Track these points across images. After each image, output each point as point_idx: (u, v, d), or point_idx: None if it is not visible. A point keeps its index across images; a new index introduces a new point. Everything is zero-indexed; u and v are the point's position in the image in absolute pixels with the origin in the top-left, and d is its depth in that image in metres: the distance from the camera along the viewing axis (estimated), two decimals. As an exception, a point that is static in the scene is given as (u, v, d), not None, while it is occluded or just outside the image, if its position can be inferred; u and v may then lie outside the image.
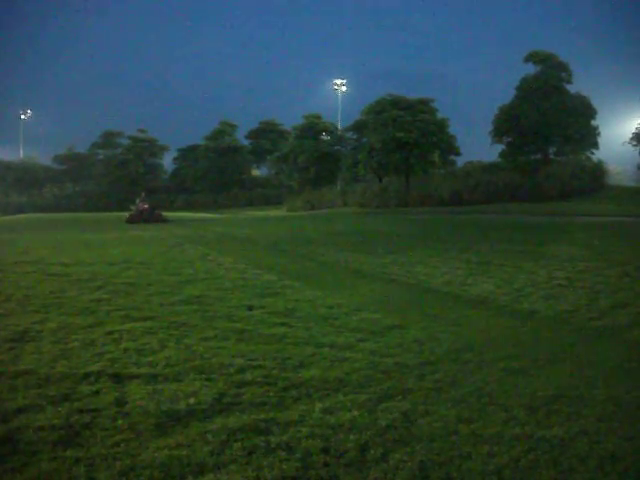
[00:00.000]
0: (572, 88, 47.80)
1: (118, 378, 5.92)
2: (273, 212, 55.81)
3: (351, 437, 4.52)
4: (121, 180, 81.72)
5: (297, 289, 11.31)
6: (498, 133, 48.45)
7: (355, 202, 52.35)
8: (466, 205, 42.84)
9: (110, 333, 7.76)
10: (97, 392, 5.52)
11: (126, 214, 40.89)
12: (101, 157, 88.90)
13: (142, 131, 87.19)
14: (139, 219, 37.57)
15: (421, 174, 49.54)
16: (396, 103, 48.12)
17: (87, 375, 5.97)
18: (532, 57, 48.59)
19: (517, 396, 5.49)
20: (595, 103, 47.00)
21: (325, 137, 65.04)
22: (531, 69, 48.77)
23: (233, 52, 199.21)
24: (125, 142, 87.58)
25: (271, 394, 5.47)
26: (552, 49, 48.85)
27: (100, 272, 13.25)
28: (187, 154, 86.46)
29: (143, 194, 43.54)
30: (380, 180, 53.30)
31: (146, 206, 39.60)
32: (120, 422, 4.81)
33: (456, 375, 6.13)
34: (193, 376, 5.96)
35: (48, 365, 6.30)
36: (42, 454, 4.26)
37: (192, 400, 5.26)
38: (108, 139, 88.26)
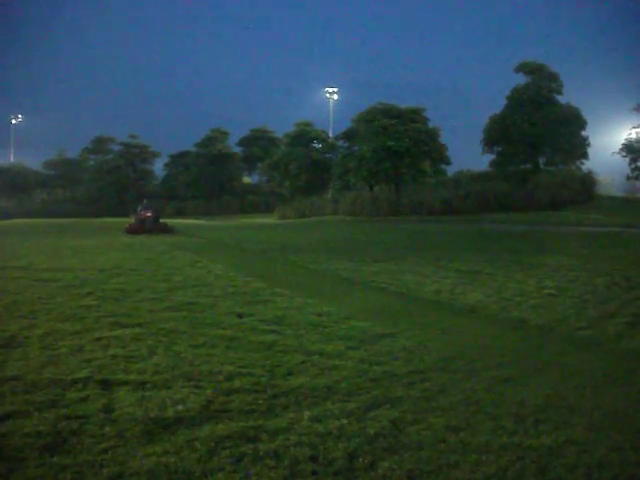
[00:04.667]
0: (562, 99, 48.15)
1: (106, 385, 5.90)
2: (264, 219, 55.81)
3: (339, 445, 4.52)
4: (112, 186, 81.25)
5: (287, 297, 11.30)
6: (488, 143, 48.66)
7: (346, 210, 52.34)
8: (456, 214, 42.93)
9: (99, 339, 7.74)
10: (85, 399, 5.50)
11: (117, 220, 39.69)
12: (92, 163, 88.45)
13: (133, 137, 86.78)
14: (141, 229, 32.87)
15: (412, 183, 49.58)
16: (387, 112, 48.18)
17: (75, 381, 5.95)
18: (523, 67, 48.89)
19: (505, 405, 5.51)
20: (585, 114, 47.37)
21: (316, 145, 65.09)
22: (522, 79, 49.10)
23: (224, 59, 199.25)
24: (116, 148, 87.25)
25: (260, 402, 5.47)
26: (543, 60, 49.20)
27: (89, 278, 13.21)
28: (178, 160, 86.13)
29: (145, 200, 38.75)
30: (371, 189, 53.34)
31: (149, 214, 34.81)
32: (108, 429, 4.79)
33: (445, 384, 6.14)
34: (181, 383, 5.95)
35: (35, 371, 6.26)
36: (29, 461, 4.24)
37: (180, 407, 5.25)
38: (99, 144, 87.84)
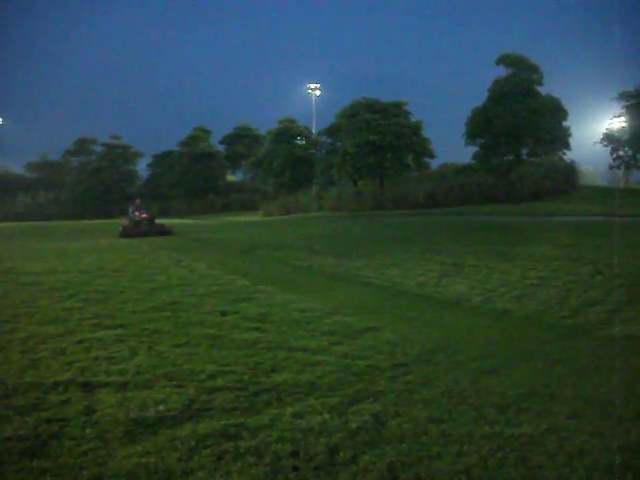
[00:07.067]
0: (543, 90, 48.23)
1: (88, 387, 5.86)
2: (249, 217, 55.67)
3: (321, 440, 4.52)
4: (95, 187, 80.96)
5: (271, 294, 11.29)
6: (471, 135, 48.55)
7: (330, 206, 52.32)
8: (441, 207, 43.01)
9: (81, 342, 7.69)
10: (66, 401, 5.46)
11: (101, 222, 38.81)
12: (75, 164, 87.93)
13: (115, 137, 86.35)
14: (137, 232, 30.52)
15: (396, 177, 49.63)
16: (370, 106, 48.15)
17: (56, 384, 5.91)
18: (503, 60, 48.81)
19: (488, 395, 5.52)
20: (566, 104, 47.48)
21: (300, 141, 64.98)
22: (503, 71, 49.12)
23: (206, 58, 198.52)
24: (98, 149, 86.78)
25: (242, 399, 5.45)
26: (523, 51, 49.24)
27: (73, 280, 13.14)
28: (161, 160, 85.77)
29: (137, 201, 35.98)
30: (355, 184, 53.34)
31: (144, 215, 32.62)
32: (88, 431, 4.76)
33: (428, 376, 6.14)
34: (163, 383, 5.91)
35: (16, 375, 6.22)
36: (8, 465, 4.21)
37: (162, 407, 5.22)
38: (81, 146, 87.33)
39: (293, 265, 16.02)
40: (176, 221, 50.65)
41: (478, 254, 16.06)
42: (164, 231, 31.64)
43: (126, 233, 30.57)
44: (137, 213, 32.84)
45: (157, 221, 34.28)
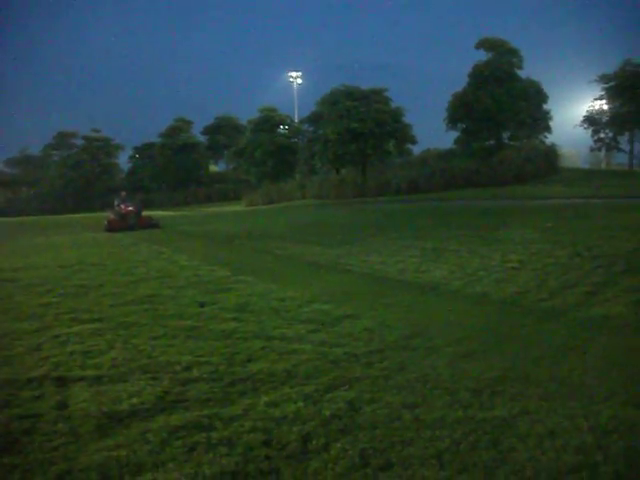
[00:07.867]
0: (523, 73, 48.30)
1: (62, 382, 5.82)
2: (232, 207, 55.50)
3: (294, 429, 4.51)
4: (76, 181, 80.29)
5: (250, 284, 11.26)
6: (452, 120, 48.58)
7: (313, 194, 52.21)
8: (423, 193, 43.03)
9: (57, 337, 7.64)
10: (39, 397, 5.42)
11: (83, 215, 38.19)
12: (55, 159, 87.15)
13: (96, 130, 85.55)
14: (124, 225, 29.34)
15: (377, 164, 49.64)
16: (350, 94, 48.01)
17: (30, 380, 5.86)
18: (483, 44, 48.76)
19: (463, 379, 5.53)
20: (546, 88, 47.58)
21: (281, 130, 64.73)
22: (482, 56, 49.08)
23: (186, 48, 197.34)
24: (79, 143, 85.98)
25: (216, 390, 5.43)
26: (502, 35, 49.21)
27: (51, 275, 13.04)
28: (142, 152, 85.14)
29: (123, 193, 34.55)
30: (337, 172, 53.28)
31: (131, 208, 31.08)
32: (60, 426, 4.73)
33: (404, 362, 6.15)
34: (138, 376, 5.88)
35: (-11, 372, 6.16)
36: (-22, 463, 4.16)
37: (135, 400, 5.19)
38: (62, 140, 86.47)
39: (274, 254, 15.98)
40: (159, 213, 50.41)
41: (459, 239, 16.08)
42: (151, 224, 30.67)
43: (112, 227, 29.40)
44: (123, 206, 31.47)
45: (143, 213, 32.97)
